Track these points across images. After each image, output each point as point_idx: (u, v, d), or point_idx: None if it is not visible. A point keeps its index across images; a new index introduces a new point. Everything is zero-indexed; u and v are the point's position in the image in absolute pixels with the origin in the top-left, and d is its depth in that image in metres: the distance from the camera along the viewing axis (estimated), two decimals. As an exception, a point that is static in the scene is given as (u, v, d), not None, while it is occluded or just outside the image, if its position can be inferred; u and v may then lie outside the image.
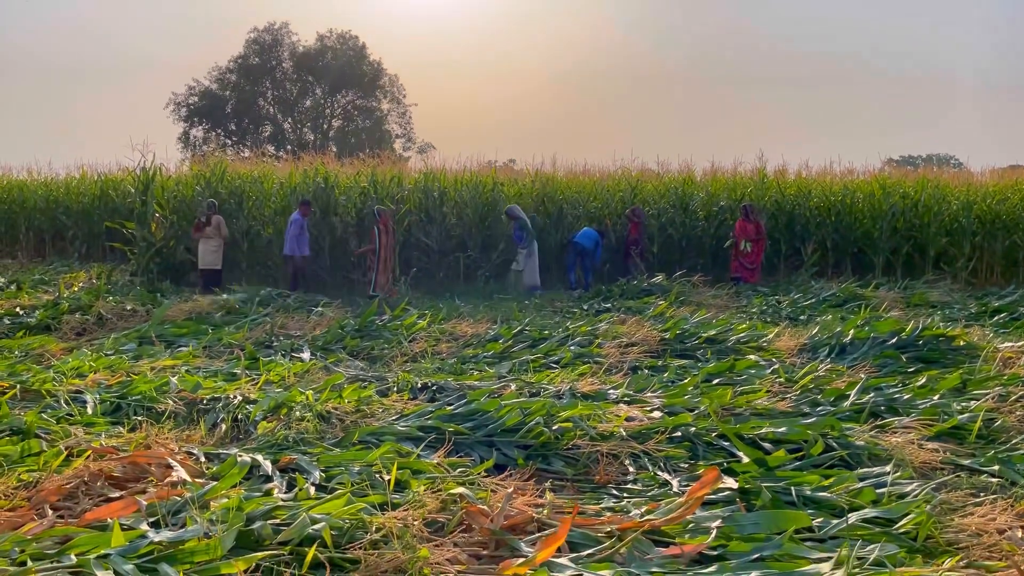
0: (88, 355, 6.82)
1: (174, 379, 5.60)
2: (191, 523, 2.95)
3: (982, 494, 3.74)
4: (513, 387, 5.52)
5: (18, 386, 5.48)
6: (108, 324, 8.67)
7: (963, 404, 5.18)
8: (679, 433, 4.47)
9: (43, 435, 4.44)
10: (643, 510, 3.39)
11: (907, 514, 3.26)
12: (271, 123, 45.00)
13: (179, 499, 3.36)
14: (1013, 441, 4.53)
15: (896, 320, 7.66)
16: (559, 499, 3.58)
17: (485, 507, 3.30)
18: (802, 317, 9.65)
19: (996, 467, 4.10)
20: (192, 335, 8.02)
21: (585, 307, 10.35)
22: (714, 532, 3.08)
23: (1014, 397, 5.25)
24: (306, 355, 7.11)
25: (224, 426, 4.79)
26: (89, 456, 3.96)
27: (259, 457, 3.98)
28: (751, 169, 16.03)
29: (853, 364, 6.68)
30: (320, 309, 9.45)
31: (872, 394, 5.40)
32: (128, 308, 9.24)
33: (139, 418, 4.98)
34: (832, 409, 5.17)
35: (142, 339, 7.89)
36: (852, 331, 7.34)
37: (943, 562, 2.93)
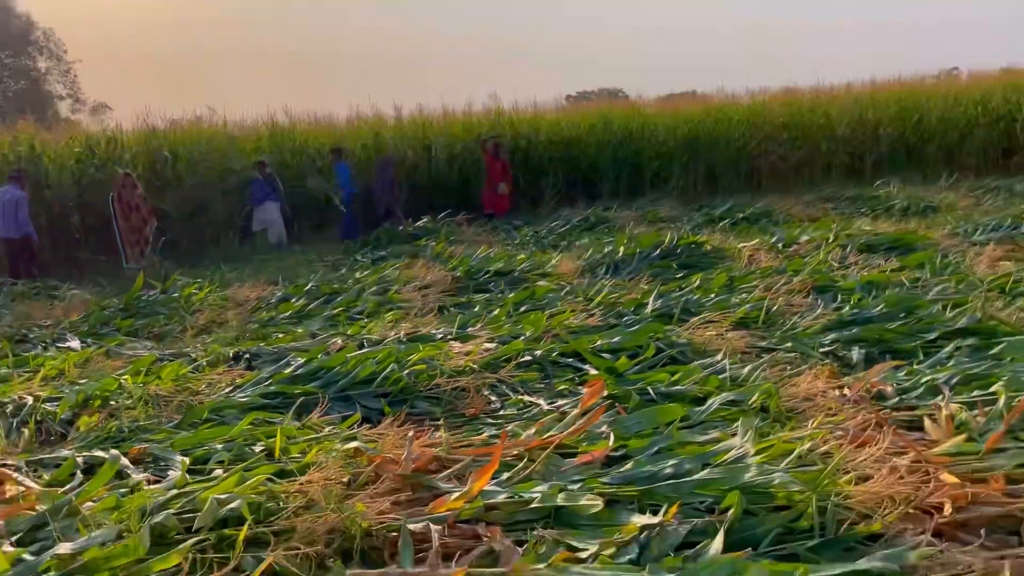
0: None
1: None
2: (87, 530, 2.60)
3: (788, 367, 4.40)
4: (340, 341, 5.38)
5: None
6: None
7: (740, 297, 5.96)
8: (527, 358, 4.68)
9: None
10: (532, 431, 3.56)
11: (754, 393, 3.74)
12: None
13: (35, 512, 2.93)
14: (791, 322, 5.33)
15: (655, 234, 8.50)
16: (441, 436, 3.64)
17: (390, 456, 3.27)
18: (563, 243, 10.33)
19: (789, 344, 4.81)
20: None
21: (359, 257, 10.20)
22: (612, 436, 3.32)
23: (776, 286, 6.14)
24: (75, 343, 6.30)
25: (27, 431, 4.16)
26: None
27: (101, 453, 3.55)
28: (482, 109, 16.57)
29: (631, 277, 7.35)
30: (63, 293, 8.35)
31: (662, 299, 6.03)
32: None
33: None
34: (637, 318, 5.69)
35: None
36: (622, 248, 8.04)
37: (793, 426, 3.44)
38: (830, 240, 8.11)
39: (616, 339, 4.84)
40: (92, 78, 42.68)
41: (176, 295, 7.42)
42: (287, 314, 6.92)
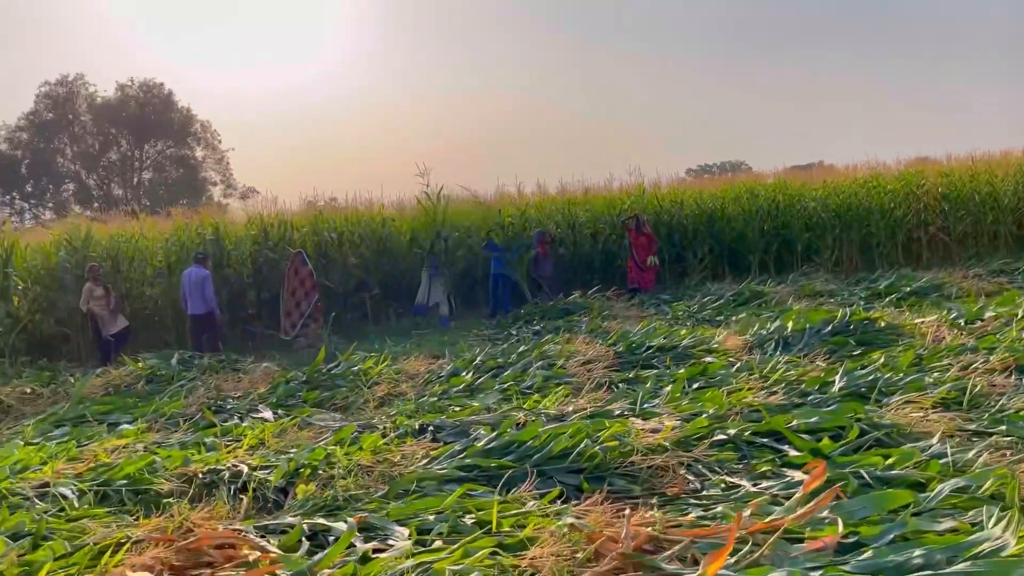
0: (18, 446, 6.09)
1: (158, 457, 5.11)
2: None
3: (1009, 452, 4.11)
4: (520, 415, 5.47)
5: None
6: (13, 411, 7.77)
7: (933, 377, 5.65)
8: (721, 437, 4.59)
9: (51, 535, 3.93)
10: (748, 513, 3.46)
11: (986, 480, 3.51)
12: (73, 180, 42.08)
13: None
14: (998, 403, 5.00)
15: (824, 310, 8.24)
16: (653, 515, 3.60)
17: (608, 534, 3.26)
18: (719, 317, 10.16)
19: (1004, 427, 4.51)
20: (122, 410, 7.34)
21: (515, 332, 10.38)
22: (839, 522, 3.19)
23: (973, 365, 5.79)
24: (267, 414, 6.70)
25: (245, 498, 4.42)
26: (130, 549, 3.57)
27: (324, 521, 3.72)
28: (625, 184, 16.77)
29: (804, 353, 7.12)
30: (245, 366, 8.91)
31: (847, 378, 5.79)
32: (27, 391, 8.32)
33: (131, 503, 4.55)
34: (824, 396, 5.49)
35: (63, 421, 7.15)
36: (791, 324, 7.82)
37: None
38: (1020, 316, 7.60)
39: (813, 419, 4.68)
40: (242, 164, 46.24)
41: (355, 368, 7.76)
42: (460, 387, 7.10)
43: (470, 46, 70.97)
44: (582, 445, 4.43)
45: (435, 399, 6.74)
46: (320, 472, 4.60)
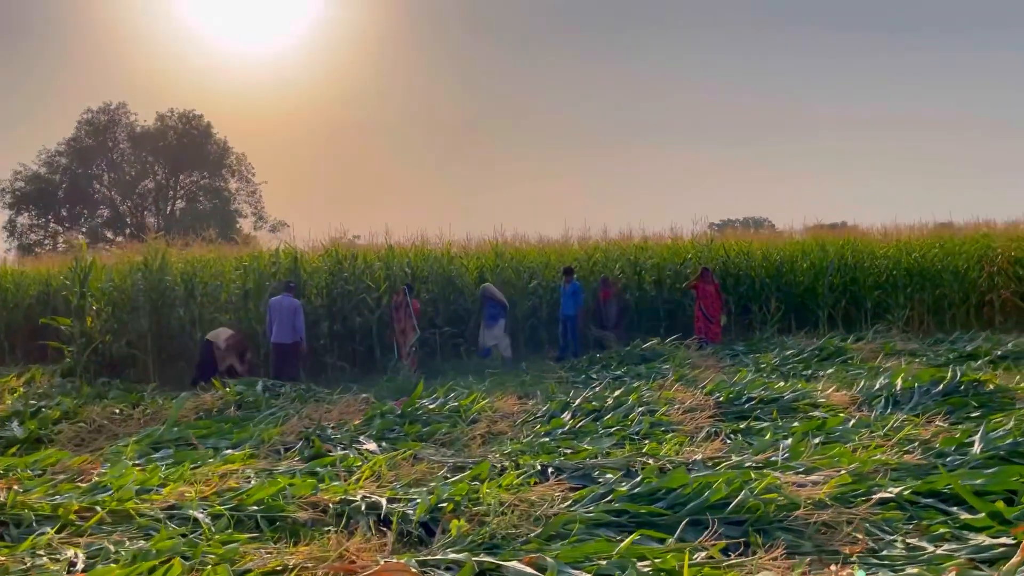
0: (127, 466, 6.03)
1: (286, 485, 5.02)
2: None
3: None
4: (652, 461, 5.32)
5: (100, 509, 4.76)
6: (105, 431, 7.74)
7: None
8: (885, 494, 4.41)
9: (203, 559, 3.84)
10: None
11: None
12: (108, 207, 42.65)
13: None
14: None
15: (934, 369, 8.02)
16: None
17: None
18: (807, 372, 9.93)
19: None
20: (218, 434, 7.28)
21: (594, 375, 10.24)
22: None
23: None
24: (372, 446, 6.60)
25: (390, 532, 4.30)
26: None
27: (494, 559, 3.59)
28: (690, 233, 16.71)
29: (919, 413, 6.90)
30: (326, 395, 8.85)
31: (983, 440, 5.57)
32: (116, 412, 8.30)
33: (268, 530, 4.46)
34: (965, 458, 5.28)
35: (160, 443, 7.09)
36: (899, 381, 7.61)
37: None
38: None
39: (979, 481, 4.48)
40: (273, 197, 46.44)
41: (451, 405, 7.65)
42: (564, 428, 6.96)
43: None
44: (740, 495, 4.27)
45: (541, 440, 6.59)
46: (463, 508, 4.48)
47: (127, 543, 4.18)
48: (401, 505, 4.65)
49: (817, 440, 6.11)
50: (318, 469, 5.80)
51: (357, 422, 7.50)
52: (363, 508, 4.63)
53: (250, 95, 63.79)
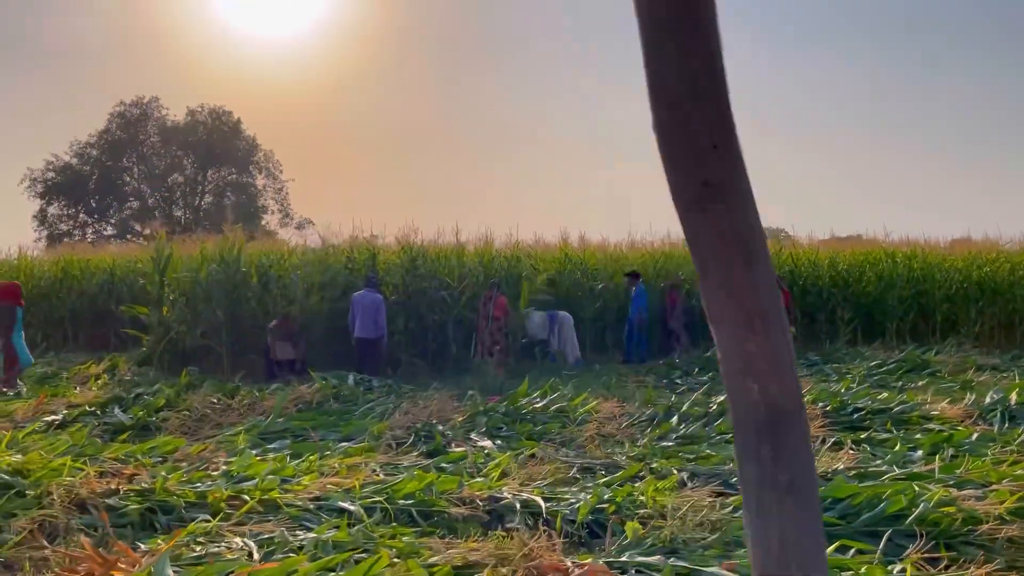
0: (249, 456, 6.03)
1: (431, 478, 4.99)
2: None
3: None
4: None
5: (249, 499, 4.75)
6: (208, 420, 7.76)
7: None
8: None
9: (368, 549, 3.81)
10: None
11: None
12: (137, 199, 42.89)
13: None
14: None
15: (1046, 384, 7.85)
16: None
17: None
18: (898, 383, 9.75)
19: None
20: (324, 427, 7.28)
21: (680, 380, 10.14)
22: None
23: None
24: (487, 443, 6.56)
25: (553, 531, 4.24)
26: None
27: (695, 565, 3.53)
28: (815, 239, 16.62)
29: (1042, 429, 6.74)
30: (429, 393, 8.82)
31: None
32: (215, 401, 8.32)
33: (426, 524, 4.43)
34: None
35: (267, 434, 7.10)
36: (1014, 396, 7.45)
37: None
38: None
39: None
40: (299, 195, 46.14)
41: (555, 403, 7.59)
42: (675, 434, 6.89)
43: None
44: (919, 508, 4.17)
45: (660, 444, 6.51)
46: (625, 510, 4.42)
47: (285, 533, 4.16)
48: (553, 504, 4.60)
49: (950, 453, 5.99)
50: (444, 465, 5.78)
51: (461, 418, 7.46)
52: (518, 506, 4.58)
53: (281, 94, 64.04)
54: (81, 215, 41.76)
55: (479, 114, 68.99)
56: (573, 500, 4.62)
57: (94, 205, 41.84)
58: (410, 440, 6.71)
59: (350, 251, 12.67)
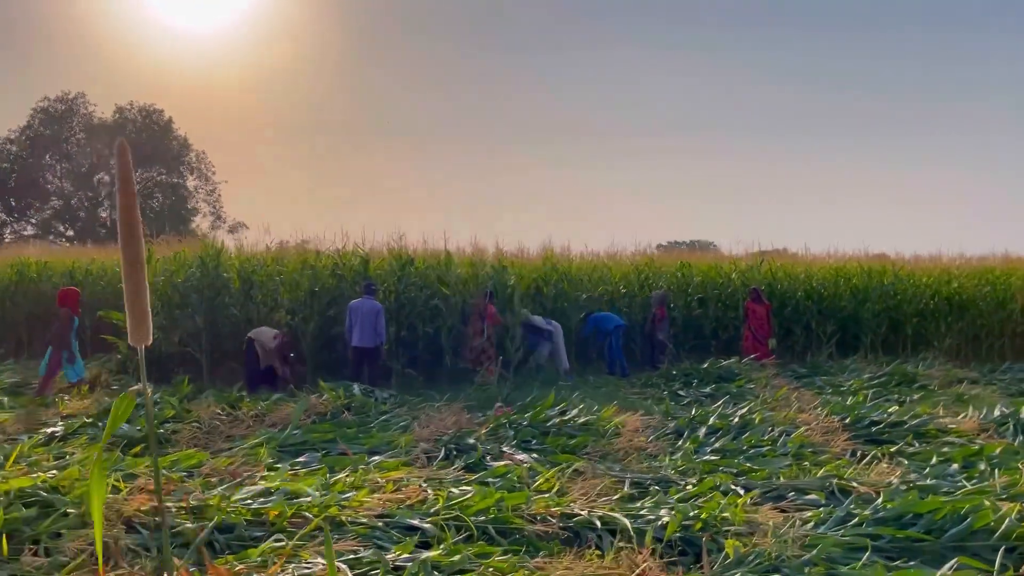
0: (283, 472, 5.77)
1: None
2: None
3: None
4: (856, 484, 5.24)
5: (312, 516, 4.54)
6: (218, 432, 7.43)
7: None
8: None
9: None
10: None
11: None
12: (60, 198, 41.37)
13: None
14: None
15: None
16: None
17: None
18: (893, 397, 9.94)
19: None
20: (343, 439, 7.03)
21: (683, 392, 10.16)
22: None
23: None
24: (522, 456, 6.42)
25: (643, 550, 4.14)
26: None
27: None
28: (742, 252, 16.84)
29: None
30: (440, 405, 8.63)
31: None
32: (220, 412, 7.98)
33: (508, 542, 4.29)
34: None
35: (286, 446, 6.83)
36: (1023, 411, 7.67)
37: None
38: None
39: None
40: (231, 197, 44.95)
41: (584, 418, 7.50)
42: (709, 446, 6.87)
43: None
44: (1006, 523, 4.21)
45: (702, 458, 6.48)
46: (711, 527, 4.35)
47: (381, 553, 3.97)
48: (631, 520, 4.51)
49: (982, 467, 6.10)
50: (489, 480, 5.62)
51: (484, 431, 7.31)
52: (597, 523, 4.47)
53: (214, 93, 62.48)
54: (0, 214, 40.00)
55: (413, 108, 68.46)
56: (651, 516, 4.53)
57: (13, 204, 40.08)
58: (441, 454, 6.54)
59: (338, 257, 12.36)
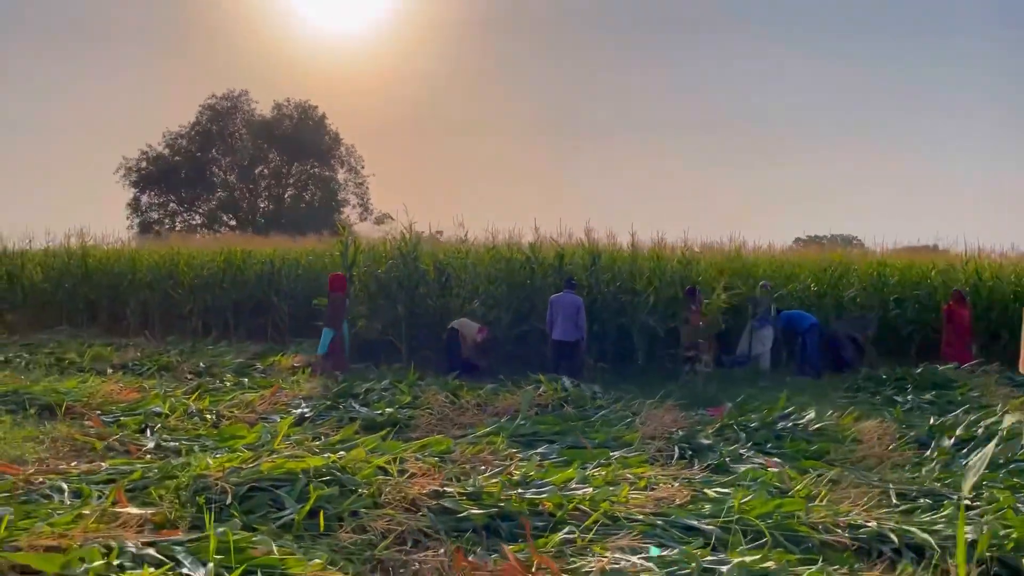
0: (531, 464, 5.89)
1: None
2: None
3: None
4: None
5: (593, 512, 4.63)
6: (449, 420, 7.74)
7: None
8: None
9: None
10: None
11: None
12: (224, 190, 43.83)
13: None
14: None
15: None
16: None
17: None
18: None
19: None
20: (569, 433, 7.11)
21: (899, 399, 9.66)
22: None
23: None
24: (776, 461, 6.31)
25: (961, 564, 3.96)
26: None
27: None
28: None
29: None
30: (653, 402, 8.59)
31: None
32: (444, 400, 8.30)
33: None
34: None
35: (516, 436, 6.99)
36: None
37: None
38: None
39: None
40: (378, 189, 46.36)
41: (821, 423, 7.29)
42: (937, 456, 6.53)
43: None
44: None
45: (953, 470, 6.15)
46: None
47: (696, 554, 3.98)
48: (927, 535, 4.32)
49: None
50: (744, 482, 5.54)
51: (711, 430, 7.22)
52: (893, 537, 4.32)
53: (364, 88, 64.86)
54: (171, 204, 43.02)
55: (564, 105, 68.53)
56: (948, 532, 4.33)
57: (184, 195, 43.03)
58: (676, 453, 6.52)
59: (530, 251, 12.57)
